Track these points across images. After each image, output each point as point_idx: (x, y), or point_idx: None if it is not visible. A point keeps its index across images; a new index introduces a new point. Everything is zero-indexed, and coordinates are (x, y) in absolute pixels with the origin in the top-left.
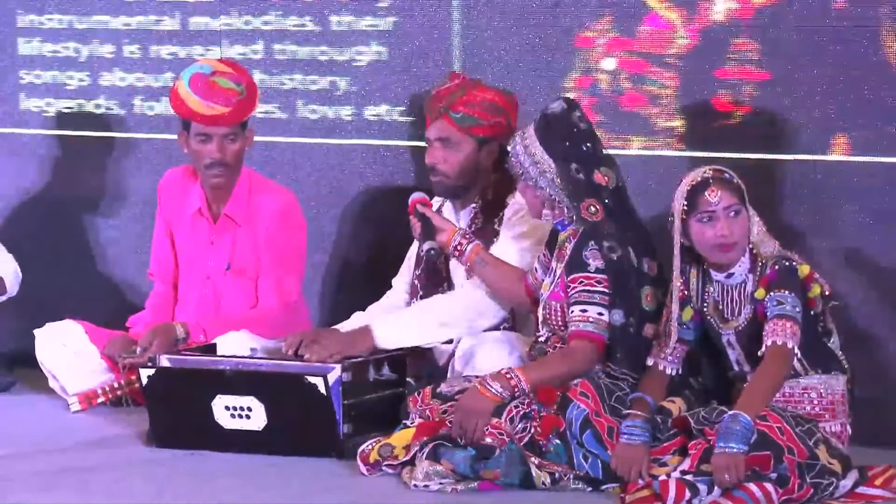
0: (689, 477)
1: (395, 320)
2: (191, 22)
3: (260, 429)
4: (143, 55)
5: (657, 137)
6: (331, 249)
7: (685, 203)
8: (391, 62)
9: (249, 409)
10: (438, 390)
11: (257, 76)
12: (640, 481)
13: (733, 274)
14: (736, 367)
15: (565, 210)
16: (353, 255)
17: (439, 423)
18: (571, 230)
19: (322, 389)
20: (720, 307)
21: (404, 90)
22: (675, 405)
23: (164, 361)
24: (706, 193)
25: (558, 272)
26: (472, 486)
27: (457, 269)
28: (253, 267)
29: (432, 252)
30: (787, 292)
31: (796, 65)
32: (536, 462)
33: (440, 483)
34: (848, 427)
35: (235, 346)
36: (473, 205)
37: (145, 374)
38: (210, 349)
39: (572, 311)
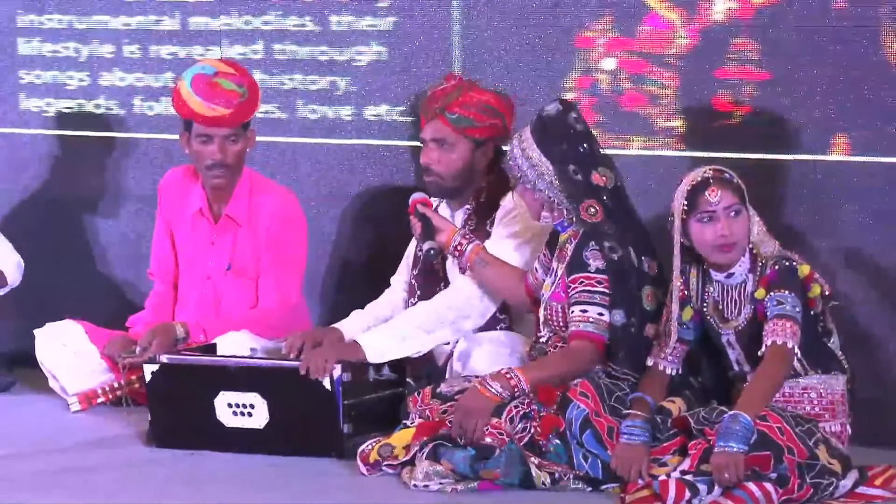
0: (688, 477)
1: (381, 334)
2: (191, 22)
3: (261, 427)
4: (143, 55)
5: (657, 137)
6: (331, 249)
7: (685, 203)
8: (391, 62)
9: (252, 406)
10: (438, 390)
11: (257, 76)
12: (640, 481)
13: (733, 274)
14: (736, 367)
15: (564, 212)
16: (353, 254)
17: (439, 423)
18: (572, 231)
19: (327, 386)
20: (720, 307)
21: (404, 90)
22: (675, 405)
23: (164, 361)
24: (706, 193)
25: (559, 273)
26: (471, 486)
27: (453, 270)
28: (253, 267)
29: (432, 252)
30: (787, 292)
31: (796, 65)
32: (536, 462)
33: (440, 483)
34: (848, 427)
35: (235, 346)
36: (468, 205)
37: (149, 369)
38: (210, 349)
39: (572, 311)
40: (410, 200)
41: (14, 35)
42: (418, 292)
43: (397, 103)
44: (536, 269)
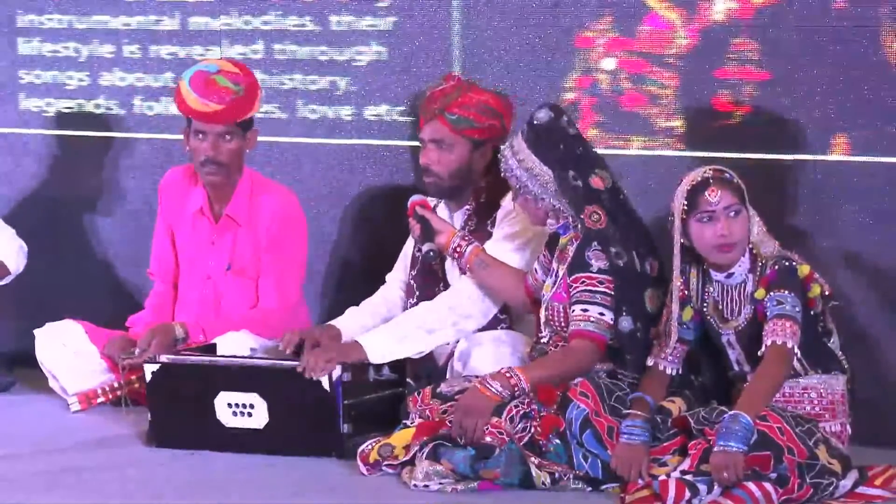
0: (688, 477)
1: (382, 334)
2: (191, 22)
3: (261, 427)
4: (143, 55)
5: (657, 137)
6: (331, 249)
7: (685, 203)
8: (391, 62)
9: (252, 406)
10: (438, 390)
11: (257, 76)
12: (640, 481)
13: (733, 274)
14: (736, 367)
15: (570, 218)
16: (353, 254)
17: (439, 423)
18: (574, 234)
19: (326, 386)
20: (720, 307)
21: (404, 90)
22: (675, 405)
23: (164, 361)
24: (706, 193)
25: (560, 273)
26: (471, 486)
27: (453, 271)
28: (253, 267)
29: (431, 254)
30: (786, 292)
31: (796, 65)
32: (536, 462)
33: (440, 483)
34: (848, 427)
35: (235, 346)
36: (467, 206)
37: (149, 369)
38: (210, 349)
39: (573, 311)
40: (409, 202)
41: (14, 35)
42: (417, 293)
43: (397, 103)
44: (536, 271)
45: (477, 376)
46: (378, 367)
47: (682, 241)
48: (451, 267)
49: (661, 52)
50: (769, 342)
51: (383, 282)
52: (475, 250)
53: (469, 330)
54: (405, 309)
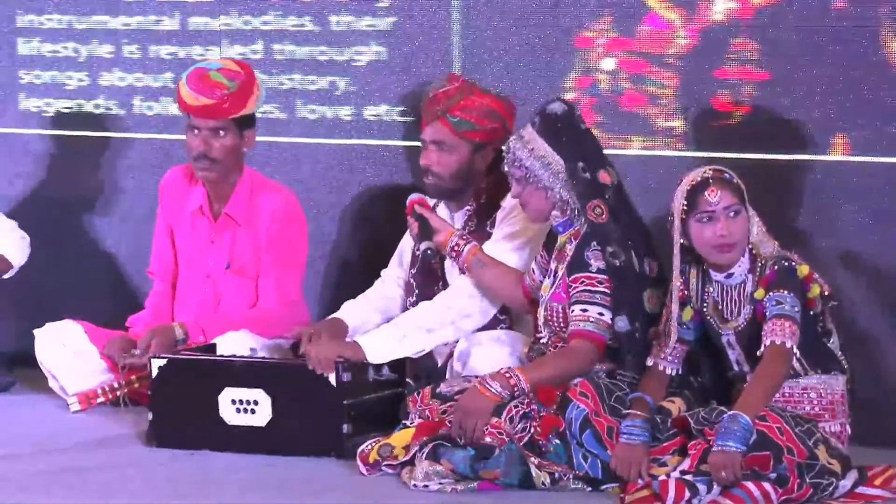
0: (688, 477)
1: (381, 334)
2: (190, 22)
3: (264, 424)
4: (143, 55)
5: (657, 137)
6: (330, 249)
7: (685, 203)
8: (391, 62)
9: (256, 402)
10: (438, 390)
11: (257, 76)
12: (640, 481)
13: (733, 274)
14: (736, 368)
15: (576, 211)
16: (353, 254)
17: (439, 423)
18: (573, 231)
19: (333, 382)
20: (720, 307)
21: (404, 90)
22: (675, 405)
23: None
24: (706, 193)
25: (559, 274)
26: (471, 486)
27: (452, 270)
28: (253, 266)
29: (429, 252)
30: (786, 292)
31: (796, 65)
32: (536, 462)
33: (440, 483)
34: (847, 427)
35: (235, 345)
36: (468, 207)
37: (157, 364)
38: (209, 349)
39: (573, 311)
40: (408, 201)
41: (14, 35)
42: (417, 292)
43: (397, 103)
44: (534, 271)
45: (476, 376)
46: (378, 367)
47: (681, 241)
48: (450, 266)
49: (661, 52)
50: (768, 342)
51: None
52: (473, 249)
53: (468, 329)
54: (403, 306)
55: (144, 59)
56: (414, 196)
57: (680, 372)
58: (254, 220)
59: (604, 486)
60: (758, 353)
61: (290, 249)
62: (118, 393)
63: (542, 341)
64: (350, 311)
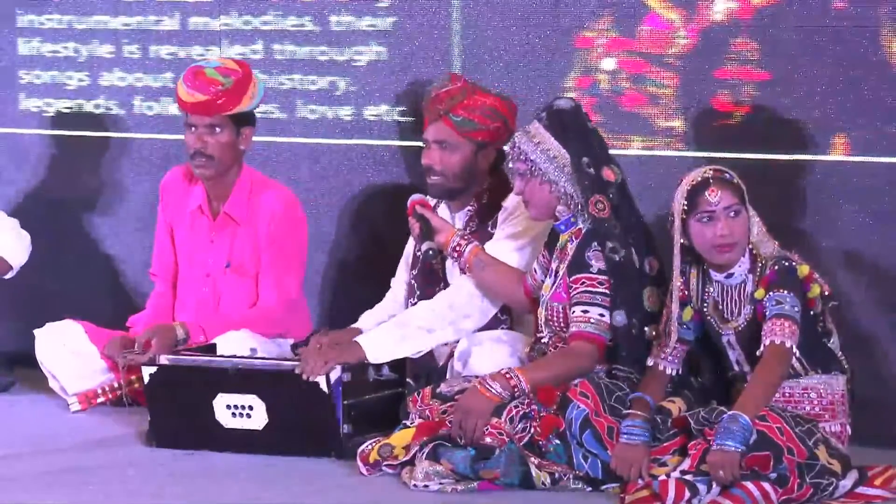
0: (688, 477)
1: (381, 334)
2: (190, 22)
3: (260, 428)
4: (143, 55)
5: (657, 137)
6: (330, 249)
7: (685, 203)
8: (391, 62)
9: (251, 407)
10: (438, 390)
11: (257, 75)
12: (640, 481)
13: (733, 274)
14: (736, 368)
15: (579, 206)
16: (352, 254)
17: (439, 423)
18: (574, 230)
19: (324, 388)
20: (720, 307)
21: (404, 90)
22: (675, 405)
23: (164, 362)
24: (706, 193)
25: (560, 273)
26: (471, 486)
27: (453, 270)
28: (252, 265)
29: (430, 253)
30: (786, 292)
31: (796, 65)
32: (536, 462)
33: (440, 483)
34: (848, 427)
35: (235, 345)
36: (469, 207)
37: (147, 371)
38: (210, 349)
39: (573, 312)
40: (409, 201)
41: (14, 35)
42: (418, 292)
43: (397, 103)
44: (535, 271)
45: (476, 376)
46: (378, 368)
47: (682, 241)
48: (451, 266)
49: (661, 52)
50: (767, 341)
51: (383, 281)
52: (474, 250)
53: (468, 329)
54: (406, 307)
55: (144, 59)
56: (415, 196)
57: (680, 372)
58: (253, 219)
59: (604, 487)
60: (757, 353)
61: (290, 248)
62: (118, 393)
63: (542, 341)
64: (367, 321)
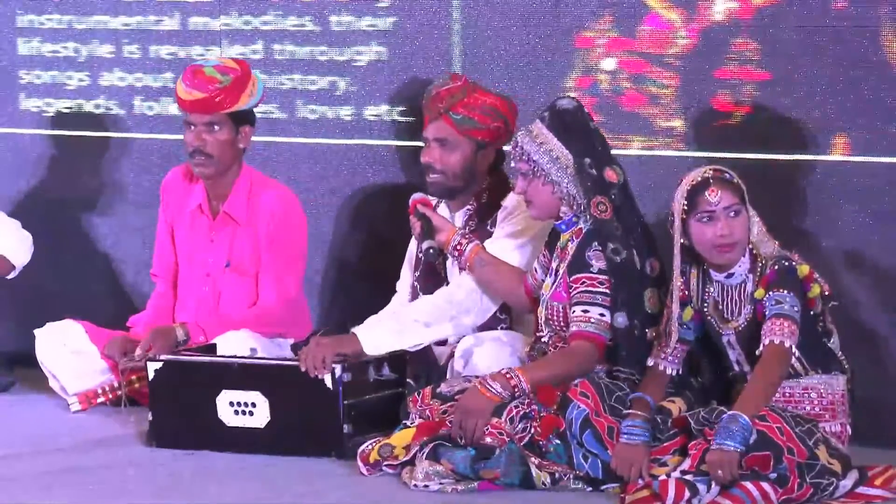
0: (688, 477)
1: (379, 326)
2: (190, 22)
3: (262, 426)
4: (143, 55)
5: (657, 137)
6: (330, 249)
7: (685, 203)
8: (391, 62)
9: (254, 404)
10: (438, 390)
11: (257, 74)
12: (640, 481)
13: (733, 274)
14: (736, 368)
15: (581, 207)
16: (352, 254)
17: (439, 423)
18: (575, 230)
19: (329, 384)
20: (720, 307)
21: (404, 90)
22: (675, 405)
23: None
24: (706, 193)
25: (560, 272)
26: (472, 486)
27: (453, 269)
28: (252, 264)
29: (431, 251)
30: (785, 292)
31: (796, 65)
32: (536, 462)
33: (440, 483)
34: (848, 427)
35: (236, 345)
36: (468, 206)
37: (152, 367)
38: (210, 349)
39: (574, 311)
40: (410, 201)
41: (14, 35)
42: (421, 294)
43: (397, 103)
44: (536, 270)
45: (477, 376)
46: (378, 367)
47: (682, 241)
48: (452, 266)
49: (661, 52)
50: (767, 341)
51: (382, 282)
52: (475, 248)
53: (467, 325)
54: None
55: (144, 59)
56: (416, 196)
57: (680, 372)
58: (253, 218)
59: (604, 487)
60: (756, 353)
61: (290, 248)
62: (118, 393)
63: (542, 340)
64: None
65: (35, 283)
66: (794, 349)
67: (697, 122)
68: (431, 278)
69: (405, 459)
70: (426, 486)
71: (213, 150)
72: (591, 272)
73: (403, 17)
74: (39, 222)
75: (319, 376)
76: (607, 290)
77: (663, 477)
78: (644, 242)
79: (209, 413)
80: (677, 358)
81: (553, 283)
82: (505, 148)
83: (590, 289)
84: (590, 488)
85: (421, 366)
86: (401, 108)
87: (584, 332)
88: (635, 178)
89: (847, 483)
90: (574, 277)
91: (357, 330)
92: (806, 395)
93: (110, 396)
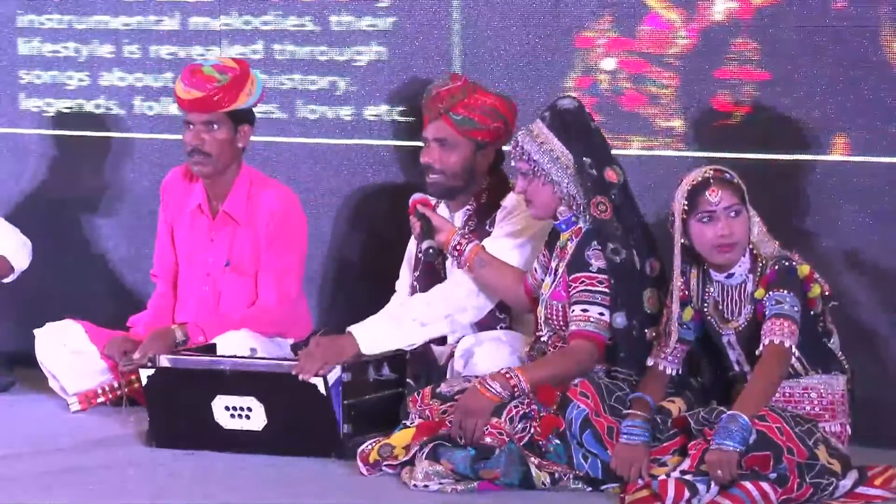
0: (688, 477)
1: (376, 325)
2: (190, 22)
3: (260, 429)
4: (143, 55)
5: (657, 137)
6: (329, 249)
7: (685, 203)
8: (391, 62)
9: (249, 409)
10: (438, 390)
11: (257, 74)
12: (640, 481)
13: (733, 274)
14: (736, 368)
15: (581, 207)
16: (352, 254)
17: (439, 423)
18: (574, 230)
19: (322, 390)
20: (720, 307)
21: (404, 90)
22: (675, 405)
23: (165, 362)
24: (706, 193)
25: (560, 272)
26: (471, 486)
27: (452, 269)
28: (252, 264)
29: (431, 251)
30: (785, 292)
31: (796, 65)
32: (536, 462)
33: (440, 483)
34: (848, 427)
35: (235, 345)
36: (468, 207)
37: (145, 374)
38: (210, 350)
39: (573, 311)
40: (410, 200)
41: (14, 35)
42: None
43: (397, 103)
44: (536, 270)
45: (476, 376)
46: (378, 367)
47: (682, 241)
48: (451, 266)
49: (661, 52)
50: (767, 341)
51: (382, 282)
52: (475, 248)
53: (463, 323)
54: None
55: (145, 59)
56: (416, 196)
57: (680, 372)
58: (253, 217)
59: (604, 486)
60: (756, 353)
61: (290, 247)
62: (118, 393)
63: (542, 340)
64: None
65: (35, 284)
66: (794, 349)
67: (697, 122)
68: (431, 278)
69: (405, 459)
70: (426, 486)
71: (212, 149)
72: (591, 271)
73: (403, 17)
74: (39, 222)
75: (309, 380)
76: (606, 290)
77: (663, 477)
78: (644, 242)
79: (206, 417)
80: (677, 358)
81: (552, 283)
82: (505, 148)
83: (589, 288)
84: (589, 488)
85: (421, 366)
86: (401, 108)
87: (583, 331)
88: (635, 178)
89: (847, 483)
90: (573, 277)
91: (353, 329)
92: (806, 395)
93: (110, 396)
